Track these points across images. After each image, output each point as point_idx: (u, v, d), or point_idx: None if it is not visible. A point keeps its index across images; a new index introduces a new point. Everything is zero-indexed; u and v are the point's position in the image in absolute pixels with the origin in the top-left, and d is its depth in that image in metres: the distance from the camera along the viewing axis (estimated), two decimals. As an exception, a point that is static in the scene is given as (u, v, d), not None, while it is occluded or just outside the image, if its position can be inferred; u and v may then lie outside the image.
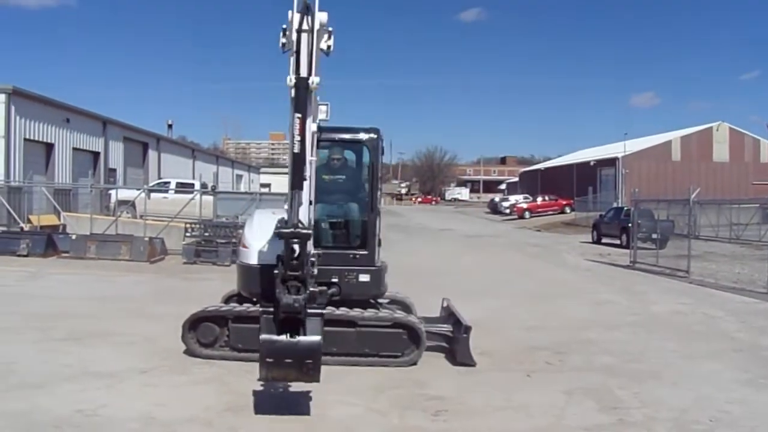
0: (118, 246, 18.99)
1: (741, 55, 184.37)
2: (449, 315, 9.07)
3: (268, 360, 5.87)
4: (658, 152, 52.58)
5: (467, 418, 6.19)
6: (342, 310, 7.87)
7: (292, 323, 5.98)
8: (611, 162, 53.30)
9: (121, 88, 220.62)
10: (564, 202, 53.56)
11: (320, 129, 7.81)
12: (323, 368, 6.15)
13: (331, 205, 8.46)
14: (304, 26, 6.26)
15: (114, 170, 35.74)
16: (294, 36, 6.32)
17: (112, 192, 26.23)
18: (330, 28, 6.76)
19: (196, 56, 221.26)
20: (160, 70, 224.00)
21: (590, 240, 31.66)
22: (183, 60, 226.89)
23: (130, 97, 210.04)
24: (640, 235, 21.94)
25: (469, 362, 7.99)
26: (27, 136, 27.11)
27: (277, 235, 6.09)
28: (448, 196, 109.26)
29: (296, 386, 6.38)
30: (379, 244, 8.52)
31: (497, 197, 70.41)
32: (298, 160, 6.16)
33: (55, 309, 10.93)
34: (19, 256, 18.57)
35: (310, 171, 6.56)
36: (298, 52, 6.27)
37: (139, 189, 26.34)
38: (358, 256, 8.25)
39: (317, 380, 6.01)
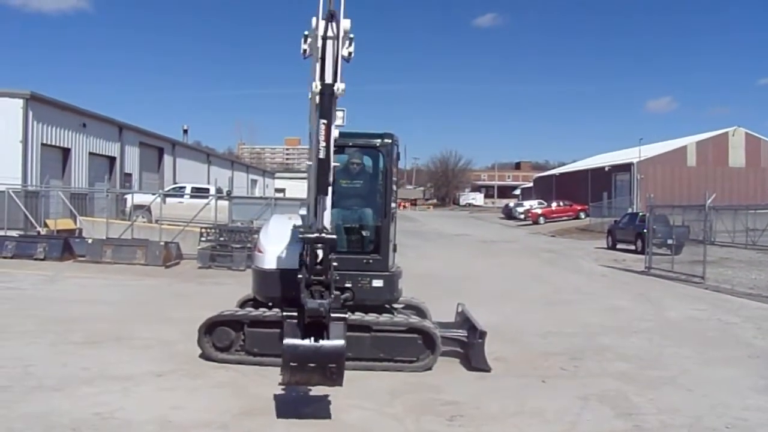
0: (134, 250, 19.16)
1: (759, 60, 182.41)
2: (464, 320, 9.05)
3: (291, 364, 5.89)
4: (673, 158, 52.25)
5: (482, 424, 6.18)
6: (357, 315, 7.86)
7: (316, 327, 6.01)
8: (626, 167, 52.94)
9: (137, 93, 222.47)
10: (579, 208, 53.44)
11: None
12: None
13: (345, 210, 8.46)
14: (329, 33, 6.28)
15: (130, 175, 36.10)
16: (319, 43, 6.33)
17: (128, 196, 26.56)
18: (352, 35, 6.80)
19: (212, 62, 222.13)
20: (175, 76, 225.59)
21: (605, 246, 31.49)
22: (199, 65, 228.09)
23: (146, 102, 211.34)
24: (656, 241, 21.82)
25: (484, 367, 7.99)
26: (44, 141, 27.46)
27: (302, 239, 6.12)
28: (463, 201, 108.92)
29: (312, 390, 6.41)
30: (394, 250, 8.53)
31: (512, 202, 70.28)
32: (324, 166, 6.16)
33: (71, 312, 11.05)
34: (36, 259, 18.85)
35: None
36: (323, 59, 6.28)
37: (154, 194, 26.50)
38: (371, 261, 8.24)
39: (340, 384, 6.02)
